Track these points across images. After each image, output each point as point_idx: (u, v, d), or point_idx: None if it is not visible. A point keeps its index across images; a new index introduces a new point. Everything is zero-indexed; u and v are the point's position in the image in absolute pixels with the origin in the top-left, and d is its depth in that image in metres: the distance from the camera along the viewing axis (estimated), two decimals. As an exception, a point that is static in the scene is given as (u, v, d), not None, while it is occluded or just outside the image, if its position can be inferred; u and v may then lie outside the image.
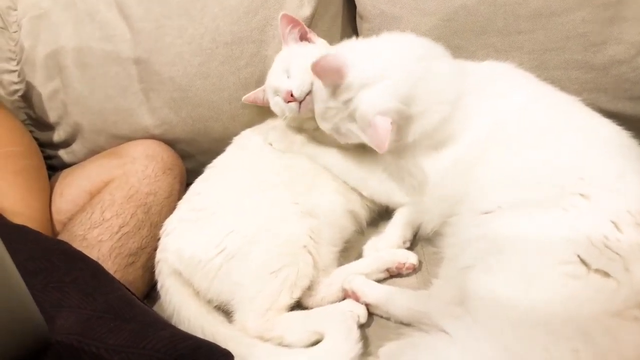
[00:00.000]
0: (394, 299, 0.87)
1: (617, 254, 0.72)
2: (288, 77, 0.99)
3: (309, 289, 0.91)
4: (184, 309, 0.88)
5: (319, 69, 0.87)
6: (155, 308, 0.93)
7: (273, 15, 1.10)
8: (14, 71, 1.19)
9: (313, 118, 0.97)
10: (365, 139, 0.88)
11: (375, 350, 0.81)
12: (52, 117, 1.22)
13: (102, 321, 0.65)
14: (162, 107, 1.16)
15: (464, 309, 0.76)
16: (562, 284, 0.72)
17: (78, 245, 0.91)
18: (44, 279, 0.68)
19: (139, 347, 0.61)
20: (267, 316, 0.86)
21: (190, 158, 1.22)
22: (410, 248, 0.99)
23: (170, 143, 1.18)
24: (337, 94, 0.88)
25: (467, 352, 0.67)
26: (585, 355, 0.64)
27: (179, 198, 1.05)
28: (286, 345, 0.83)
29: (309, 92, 0.96)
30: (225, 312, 0.90)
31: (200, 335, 0.79)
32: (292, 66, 0.99)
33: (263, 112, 1.15)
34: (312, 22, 1.13)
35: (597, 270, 0.72)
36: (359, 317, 0.86)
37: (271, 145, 1.06)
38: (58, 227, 1.05)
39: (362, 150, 0.99)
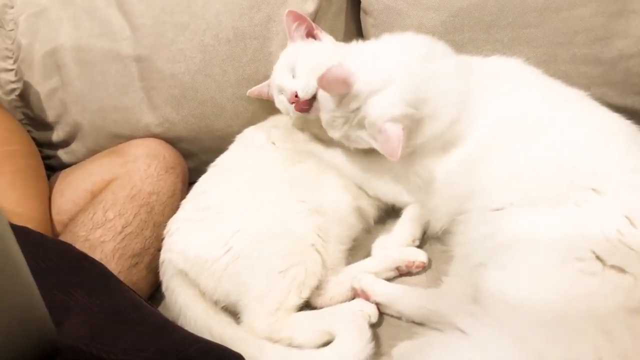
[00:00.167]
0: (405, 297, 0.86)
1: (632, 249, 0.71)
2: (293, 76, 0.97)
3: (318, 288, 0.89)
4: (190, 310, 0.86)
5: (325, 83, 0.85)
6: (160, 310, 0.91)
7: (277, 11, 1.08)
8: (11, 70, 1.17)
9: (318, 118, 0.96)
10: (376, 146, 0.87)
11: (387, 350, 0.80)
12: (50, 116, 1.19)
13: (110, 325, 0.64)
14: (164, 105, 1.14)
15: (478, 307, 0.75)
16: (578, 281, 0.71)
17: (80, 246, 0.89)
18: (50, 282, 0.66)
19: (149, 350, 0.59)
20: (275, 317, 0.84)
21: (192, 157, 1.20)
22: (419, 246, 0.98)
23: (172, 141, 1.16)
24: (345, 103, 0.86)
25: (486, 351, 0.65)
26: (607, 352, 0.63)
27: (182, 197, 1.03)
28: (296, 346, 0.82)
29: (315, 94, 0.94)
30: (232, 313, 0.89)
31: (208, 337, 0.77)
32: (297, 65, 0.97)
33: (266, 109, 1.13)
34: (316, 17, 1.11)
35: (612, 266, 0.71)
36: (369, 316, 0.84)
37: (274, 144, 1.04)
38: (59, 227, 1.03)
39: (367, 150, 0.97)
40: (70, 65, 1.14)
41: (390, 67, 0.86)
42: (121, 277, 0.86)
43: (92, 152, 1.19)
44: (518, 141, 0.86)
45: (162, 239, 0.96)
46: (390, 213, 1.04)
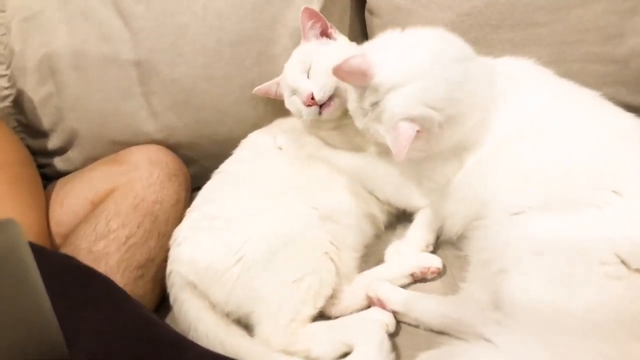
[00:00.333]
0: (423, 305, 0.83)
1: (656, 252, 0.70)
2: (308, 77, 0.94)
3: (332, 297, 0.86)
4: (201, 323, 0.83)
5: (341, 73, 0.82)
6: (168, 323, 0.88)
7: (281, 12, 1.06)
8: (4, 76, 1.13)
9: (331, 120, 0.93)
10: (388, 142, 0.84)
11: (407, 360, 0.77)
12: (45, 123, 1.16)
13: (123, 343, 0.61)
14: (164, 111, 1.11)
15: (502, 314, 0.73)
16: (604, 286, 0.69)
17: (83, 259, 0.85)
18: (57, 301, 0.63)
19: (166, 369, 0.56)
20: (290, 328, 0.81)
21: (194, 163, 1.16)
22: (432, 252, 0.95)
23: (173, 148, 1.12)
24: (366, 96, 0.84)
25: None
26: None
27: (186, 206, 1.00)
28: (313, 359, 0.79)
29: (331, 96, 0.92)
30: (244, 325, 0.86)
31: (221, 351, 0.75)
32: (313, 66, 0.94)
33: (271, 114, 1.10)
34: (321, 17, 1.09)
35: (637, 270, 0.69)
36: (387, 325, 0.82)
37: (280, 149, 1.02)
38: (58, 240, 0.99)
39: (379, 152, 0.95)
40: (65, 70, 1.11)
41: (418, 64, 0.83)
42: (127, 290, 0.82)
43: (90, 160, 1.15)
44: (533, 143, 0.84)
45: (168, 249, 0.93)
46: (400, 218, 1.02)
